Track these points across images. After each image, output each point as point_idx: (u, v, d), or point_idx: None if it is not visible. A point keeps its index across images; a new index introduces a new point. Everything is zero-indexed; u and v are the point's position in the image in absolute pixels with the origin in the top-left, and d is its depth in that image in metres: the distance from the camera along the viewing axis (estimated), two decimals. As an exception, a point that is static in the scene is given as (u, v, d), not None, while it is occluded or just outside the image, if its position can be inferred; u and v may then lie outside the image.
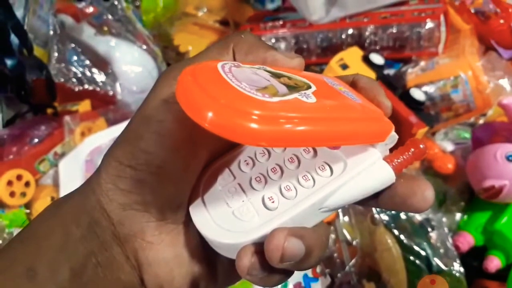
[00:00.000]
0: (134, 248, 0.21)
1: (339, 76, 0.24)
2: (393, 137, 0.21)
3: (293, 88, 0.19)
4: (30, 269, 0.20)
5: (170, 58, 0.77)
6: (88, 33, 0.68)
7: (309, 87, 0.19)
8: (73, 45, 0.66)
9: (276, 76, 0.19)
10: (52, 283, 0.20)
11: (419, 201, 0.19)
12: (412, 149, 0.21)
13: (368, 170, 0.20)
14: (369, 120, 0.20)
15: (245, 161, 0.22)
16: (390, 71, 0.65)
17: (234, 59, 0.21)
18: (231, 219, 0.20)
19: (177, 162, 0.20)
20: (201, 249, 0.22)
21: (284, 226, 0.19)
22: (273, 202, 0.20)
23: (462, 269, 0.52)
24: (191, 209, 0.21)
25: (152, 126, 0.20)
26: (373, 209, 0.54)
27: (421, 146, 0.21)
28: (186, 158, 0.20)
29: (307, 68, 0.73)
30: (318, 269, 0.42)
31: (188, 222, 0.22)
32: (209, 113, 0.15)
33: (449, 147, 0.63)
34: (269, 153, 0.22)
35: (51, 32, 0.66)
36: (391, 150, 0.22)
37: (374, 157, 0.20)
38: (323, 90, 0.20)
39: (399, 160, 0.20)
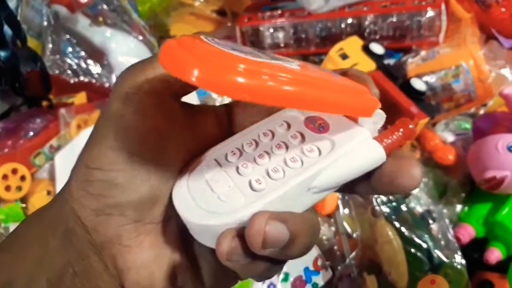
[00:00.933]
0: (111, 254, 0.20)
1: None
2: (381, 114, 0.21)
3: (277, 58, 0.19)
4: (7, 282, 0.19)
5: (167, 49, 0.76)
6: (83, 24, 0.66)
7: (293, 61, 0.19)
8: (67, 36, 0.65)
9: (260, 52, 0.19)
10: None
11: (407, 180, 0.19)
12: (402, 129, 0.20)
13: (357, 149, 0.20)
14: (354, 92, 0.20)
15: (232, 151, 0.21)
16: (390, 61, 0.64)
17: None
18: (216, 202, 0.19)
19: (145, 155, 0.20)
20: (182, 249, 0.21)
21: (270, 208, 0.18)
22: (260, 183, 0.19)
23: (463, 261, 0.52)
24: (173, 194, 0.20)
25: (113, 123, 0.19)
26: (374, 201, 0.53)
27: (411, 126, 0.20)
28: (154, 151, 0.20)
29: (306, 58, 0.72)
30: (319, 262, 0.42)
31: (167, 220, 0.21)
32: (195, 70, 0.15)
33: (450, 138, 0.62)
34: (257, 143, 0.22)
35: (45, 23, 0.65)
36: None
37: (362, 136, 0.20)
38: (307, 66, 0.20)
39: (389, 140, 0.20)
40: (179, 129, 0.21)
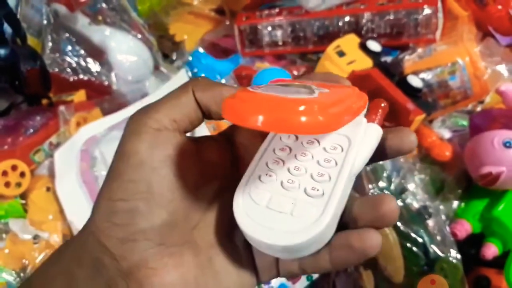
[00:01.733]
0: (139, 279, 0.21)
1: (298, 78, 0.28)
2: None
3: (304, 87, 0.22)
4: None
5: (166, 47, 0.76)
6: (82, 23, 0.67)
7: (310, 85, 0.23)
8: (67, 34, 0.66)
9: (286, 85, 0.22)
10: None
11: (408, 146, 0.24)
12: (381, 107, 0.25)
13: (366, 133, 0.24)
14: (356, 94, 0.25)
15: (266, 174, 0.24)
16: (387, 58, 0.65)
17: (195, 98, 0.24)
18: (291, 221, 0.21)
19: (161, 184, 0.22)
20: (206, 267, 0.23)
21: (339, 205, 0.22)
22: (317, 190, 0.22)
23: (459, 256, 0.52)
24: (242, 227, 0.22)
25: (129, 158, 0.22)
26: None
27: (383, 104, 0.26)
28: (168, 178, 0.22)
29: (304, 56, 0.73)
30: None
31: (189, 241, 0.23)
32: (260, 116, 0.18)
33: (447, 134, 0.62)
34: (281, 159, 0.24)
35: (45, 22, 0.66)
36: None
37: (363, 122, 0.25)
38: (318, 87, 0.23)
39: (377, 118, 0.25)
40: (188, 157, 0.23)
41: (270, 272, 0.24)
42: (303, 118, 0.19)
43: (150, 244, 0.22)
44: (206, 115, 0.25)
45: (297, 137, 0.25)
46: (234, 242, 0.24)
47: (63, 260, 0.22)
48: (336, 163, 0.23)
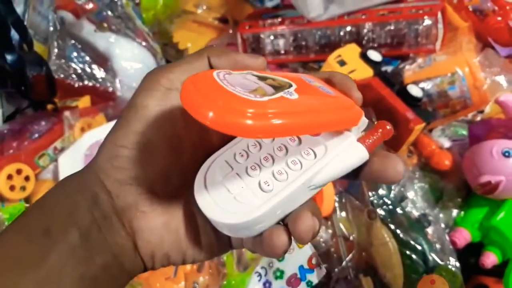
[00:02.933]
0: (129, 217, 0.24)
1: (315, 74, 0.27)
2: (364, 121, 0.25)
3: (278, 87, 0.22)
4: (46, 229, 0.22)
5: (170, 55, 0.77)
6: (88, 30, 0.68)
7: (290, 85, 0.23)
8: (73, 41, 0.67)
9: (263, 79, 0.23)
10: (64, 241, 0.22)
11: (392, 174, 0.23)
12: (380, 130, 0.24)
13: (346, 150, 0.24)
14: (342, 109, 0.24)
15: (240, 153, 0.25)
16: (388, 68, 0.66)
17: (210, 63, 0.25)
18: (233, 203, 0.23)
19: (162, 140, 0.24)
20: (188, 220, 0.25)
21: (279, 206, 0.22)
22: (268, 185, 0.23)
23: (458, 264, 0.52)
24: (196, 197, 0.24)
25: (138, 111, 0.24)
26: (370, 204, 0.54)
27: (388, 127, 0.25)
28: (169, 137, 0.24)
29: (306, 65, 0.74)
30: (313, 261, 0.43)
31: (178, 195, 0.25)
32: (210, 113, 0.19)
33: (446, 143, 0.63)
34: (260, 144, 0.25)
35: (51, 28, 0.67)
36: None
37: (349, 139, 0.24)
38: (302, 87, 0.23)
39: (370, 140, 0.24)
40: (190, 121, 0.23)
41: (211, 242, 0.26)
42: (240, 120, 0.19)
43: (143, 189, 0.24)
44: None
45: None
46: None
47: (70, 187, 0.24)
48: (301, 168, 0.23)
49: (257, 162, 0.24)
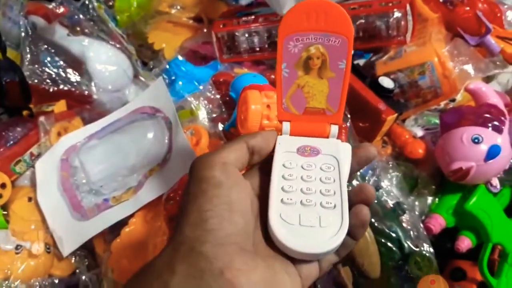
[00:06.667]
0: (229, 279, 0.25)
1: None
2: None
3: None
4: None
5: (145, 56, 0.77)
6: (60, 34, 0.68)
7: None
8: (46, 46, 0.66)
9: None
10: None
11: (373, 154, 0.32)
12: (343, 129, 0.35)
13: (345, 151, 0.32)
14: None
15: (288, 198, 0.29)
16: (360, 61, 0.67)
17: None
18: (318, 231, 0.28)
19: (238, 197, 0.28)
20: (271, 270, 0.27)
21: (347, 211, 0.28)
22: (330, 203, 0.28)
23: (432, 250, 0.54)
24: (276, 232, 0.28)
25: (208, 180, 0.28)
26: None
27: (344, 125, 0.37)
28: (240, 194, 0.28)
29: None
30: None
31: (256, 249, 0.28)
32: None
33: (419, 132, 0.64)
34: (294, 185, 0.30)
35: (23, 34, 0.66)
36: None
37: (337, 142, 0.32)
38: None
39: (345, 137, 0.35)
40: (247, 183, 0.31)
41: (311, 275, 0.29)
42: None
43: (235, 247, 0.26)
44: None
45: (296, 163, 0.30)
46: (280, 255, 0.29)
47: (154, 270, 0.26)
48: (334, 180, 0.29)
49: (305, 196, 0.29)
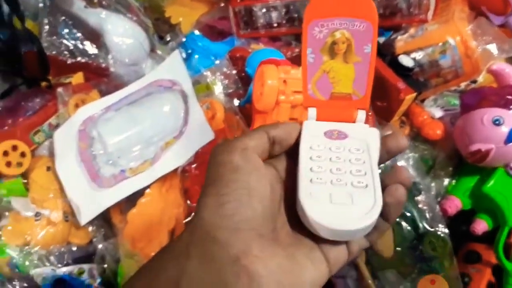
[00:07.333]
0: (245, 265, 0.24)
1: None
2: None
3: None
4: None
5: (162, 30, 0.77)
6: (78, 6, 0.67)
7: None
8: (63, 17, 0.66)
9: None
10: None
11: (404, 145, 0.31)
12: (370, 117, 0.33)
13: (372, 135, 0.31)
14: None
15: (317, 177, 0.28)
16: (380, 39, 0.65)
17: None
18: (350, 208, 0.26)
19: (256, 182, 0.27)
20: (291, 259, 0.26)
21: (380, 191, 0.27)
22: (362, 183, 0.27)
23: (446, 230, 0.53)
24: (311, 214, 0.26)
25: (226, 165, 0.28)
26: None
27: (369, 113, 0.33)
28: (258, 178, 0.28)
29: (299, 37, 0.73)
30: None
31: (276, 236, 0.27)
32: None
33: (438, 113, 0.63)
34: (322, 166, 0.29)
35: (41, 5, 0.66)
36: None
37: (365, 126, 0.32)
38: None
39: (372, 123, 0.32)
40: (268, 168, 0.30)
41: (339, 259, 0.28)
42: None
43: (252, 233, 0.25)
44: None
45: (324, 146, 0.30)
46: (305, 240, 0.28)
47: (172, 253, 0.26)
48: (364, 162, 0.29)
49: (335, 176, 0.28)
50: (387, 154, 0.31)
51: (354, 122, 0.32)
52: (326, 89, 0.32)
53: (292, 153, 0.31)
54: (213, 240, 0.25)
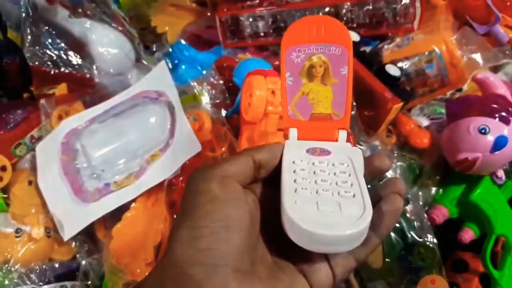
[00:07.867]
0: None
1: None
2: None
3: None
4: None
5: (148, 40, 0.76)
6: (62, 15, 0.66)
7: None
8: (47, 27, 0.65)
9: None
10: None
11: (386, 166, 0.31)
12: (351, 136, 0.32)
13: (355, 153, 0.31)
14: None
15: (302, 188, 0.28)
16: (366, 48, 0.66)
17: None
18: (339, 217, 0.25)
19: (234, 213, 0.26)
20: (282, 285, 0.26)
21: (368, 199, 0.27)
22: (349, 192, 0.27)
23: (435, 240, 0.53)
24: (288, 213, 0.25)
25: (204, 194, 0.26)
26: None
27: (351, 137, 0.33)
28: (237, 209, 0.26)
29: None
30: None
31: (254, 269, 0.26)
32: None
33: (425, 122, 0.63)
34: (306, 178, 0.29)
35: (24, 15, 0.65)
36: None
37: (349, 146, 0.32)
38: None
39: (353, 142, 0.32)
40: (246, 197, 0.28)
41: (323, 284, 0.27)
42: None
43: (229, 269, 0.24)
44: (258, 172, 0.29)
45: (308, 161, 0.30)
46: (287, 268, 0.28)
47: None
48: (350, 174, 0.28)
49: (321, 186, 0.28)
50: (370, 175, 0.30)
51: (336, 141, 0.32)
52: (306, 110, 0.33)
53: (273, 175, 0.30)
54: (188, 278, 0.23)
